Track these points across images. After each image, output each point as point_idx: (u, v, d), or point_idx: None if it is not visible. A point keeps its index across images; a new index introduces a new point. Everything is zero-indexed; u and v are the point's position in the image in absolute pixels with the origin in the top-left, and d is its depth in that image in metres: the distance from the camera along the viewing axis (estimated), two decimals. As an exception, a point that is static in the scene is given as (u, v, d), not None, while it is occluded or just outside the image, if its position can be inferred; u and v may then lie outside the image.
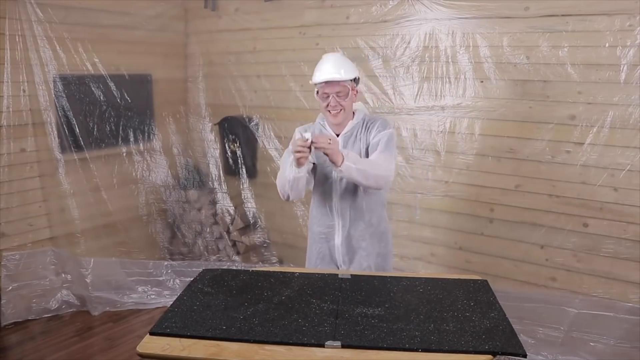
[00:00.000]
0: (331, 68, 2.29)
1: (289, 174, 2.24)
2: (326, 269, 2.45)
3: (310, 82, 2.39)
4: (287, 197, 2.35)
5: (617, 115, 2.79)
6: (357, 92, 2.38)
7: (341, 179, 2.37)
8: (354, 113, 2.41)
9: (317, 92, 2.33)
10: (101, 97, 3.85)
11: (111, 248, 3.90)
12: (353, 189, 2.39)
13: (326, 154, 2.13)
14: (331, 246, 2.47)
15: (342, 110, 2.32)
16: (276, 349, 1.65)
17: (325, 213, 2.45)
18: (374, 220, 2.45)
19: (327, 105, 2.31)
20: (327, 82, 2.29)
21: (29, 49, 3.42)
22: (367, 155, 2.34)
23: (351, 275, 2.22)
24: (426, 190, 3.48)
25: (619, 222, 2.88)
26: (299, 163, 2.15)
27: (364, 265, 2.45)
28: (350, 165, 2.13)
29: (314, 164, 2.40)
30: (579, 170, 2.96)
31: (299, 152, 2.11)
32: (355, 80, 2.36)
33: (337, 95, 2.29)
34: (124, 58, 4.00)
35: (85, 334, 3.43)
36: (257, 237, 4.30)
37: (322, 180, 2.44)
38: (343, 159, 2.11)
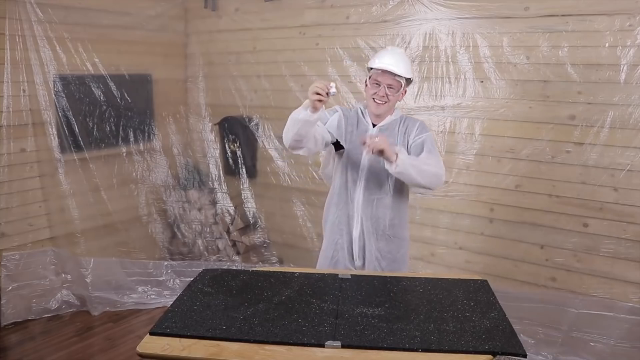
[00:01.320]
0: (392, 59, 2.25)
1: (299, 113, 2.07)
2: (340, 264, 2.41)
3: (366, 65, 2.36)
4: (289, 142, 2.17)
5: (617, 115, 2.79)
6: (405, 92, 2.35)
7: (370, 169, 2.31)
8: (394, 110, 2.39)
9: (369, 78, 2.29)
10: (101, 97, 3.84)
11: (111, 248, 3.90)
12: (380, 183, 2.33)
13: (381, 152, 2.06)
14: (347, 239, 2.41)
15: (387, 103, 2.28)
16: (276, 349, 1.65)
17: (346, 201, 2.38)
18: (396, 221, 2.38)
19: (375, 94, 2.27)
20: (383, 71, 2.25)
21: (29, 49, 3.42)
22: (408, 150, 2.30)
23: (351, 275, 2.22)
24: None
25: (619, 222, 2.88)
26: (314, 107, 2.02)
27: (377, 267, 2.39)
28: (405, 160, 2.08)
29: (341, 146, 2.32)
30: (579, 170, 2.96)
31: (318, 94, 1.97)
32: (409, 81, 2.33)
33: (388, 87, 2.26)
34: (124, 58, 4.00)
35: (85, 334, 3.43)
36: (257, 237, 4.30)
37: (349, 167, 2.37)
38: (397, 155, 2.07)
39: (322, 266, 2.49)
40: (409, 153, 2.26)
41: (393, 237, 2.39)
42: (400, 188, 2.37)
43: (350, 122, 2.37)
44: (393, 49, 2.36)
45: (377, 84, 2.26)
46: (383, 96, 2.27)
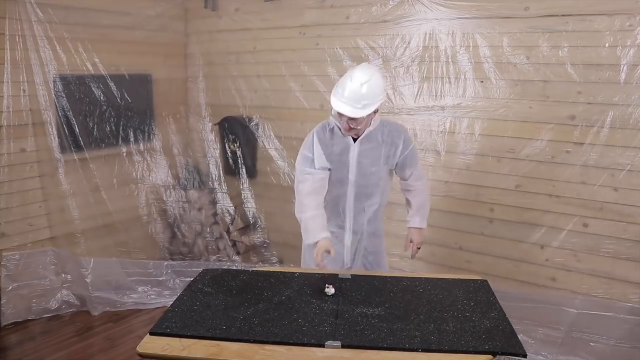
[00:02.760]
0: (353, 100, 2.16)
1: (305, 226, 2.33)
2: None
3: (329, 100, 2.28)
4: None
5: (617, 115, 2.79)
6: (377, 111, 2.30)
7: (357, 182, 2.42)
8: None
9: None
10: (101, 97, 3.84)
11: (111, 248, 3.89)
12: (368, 194, 2.46)
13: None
14: (339, 247, 2.49)
15: (355, 130, 2.29)
16: (276, 349, 1.65)
17: (337, 213, 2.48)
18: (378, 221, 2.56)
19: (341, 123, 2.29)
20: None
21: (29, 49, 3.42)
22: (390, 164, 2.45)
23: (351, 275, 2.23)
24: (426, 190, 3.48)
25: (619, 222, 2.88)
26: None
27: (365, 263, 2.54)
28: (425, 219, 2.58)
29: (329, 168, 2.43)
30: (579, 170, 2.96)
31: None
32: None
33: (355, 121, 2.23)
34: (124, 58, 4.00)
35: (85, 334, 3.43)
36: (257, 237, 4.30)
37: (337, 184, 2.44)
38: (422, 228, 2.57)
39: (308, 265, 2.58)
40: (397, 166, 2.47)
41: (376, 233, 2.56)
42: (386, 193, 2.54)
43: (329, 143, 2.39)
44: (355, 81, 2.17)
45: (343, 118, 2.24)
46: (348, 130, 2.29)
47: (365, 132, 2.35)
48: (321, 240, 2.23)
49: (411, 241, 2.57)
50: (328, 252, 2.22)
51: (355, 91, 2.15)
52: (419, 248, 2.59)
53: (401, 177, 2.56)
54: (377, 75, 2.22)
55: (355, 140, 2.37)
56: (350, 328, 1.75)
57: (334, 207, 2.46)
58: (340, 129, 2.37)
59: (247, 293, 2.04)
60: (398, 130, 2.43)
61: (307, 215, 2.31)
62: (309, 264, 2.51)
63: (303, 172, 2.39)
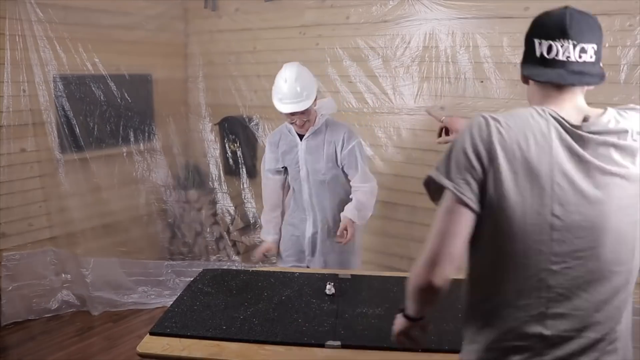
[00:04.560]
0: (291, 97, 2.43)
1: (262, 226, 2.80)
2: (291, 258, 2.73)
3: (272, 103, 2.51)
4: None
5: (617, 115, 2.79)
6: (316, 99, 2.49)
7: (307, 178, 2.56)
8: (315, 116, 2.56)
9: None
10: (101, 97, 3.84)
11: (111, 248, 3.89)
12: (324, 189, 2.57)
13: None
14: (301, 238, 2.65)
15: (308, 122, 2.49)
16: (276, 349, 1.65)
17: (299, 206, 2.65)
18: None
19: (293, 123, 2.50)
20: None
21: (29, 49, 3.42)
22: (335, 161, 2.53)
23: (351, 275, 2.23)
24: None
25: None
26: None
27: (328, 260, 2.61)
28: (358, 216, 2.45)
29: (284, 167, 2.66)
30: (579, 170, 2.95)
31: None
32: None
33: (301, 115, 2.45)
34: (124, 58, 3.99)
35: (85, 334, 3.43)
36: (257, 237, 4.30)
37: (294, 181, 2.64)
38: (352, 220, 2.44)
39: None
40: (340, 163, 2.53)
41: (339, 245, 2.55)
42: (341, 187, 2.59)
43: (280, 144, 2.63)
44: (287, 81, 2.46)
45: (290, 116, 2.47)
46: (301, 125, 2.49)
47: (310, 130, 2.52)
48: (266, 242, 2.72)
49: (346, 230, 2.42)
50: (268, 251, 2.72)
51: (293, 88, 2.43)
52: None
53: (349, 179, 2.59)
54: (303, 69, 2.51)
55: (302, 138, 2.55)
56: (350, 328, 1.75)
57: (296, 200, 2.67)
58: (290, 131, 2.60)
59: (247, 293, 2.04)
60: (340, 127, 2.56)
61: (263, 219, 2.78)
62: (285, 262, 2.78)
63: (263, 177, 2.77)
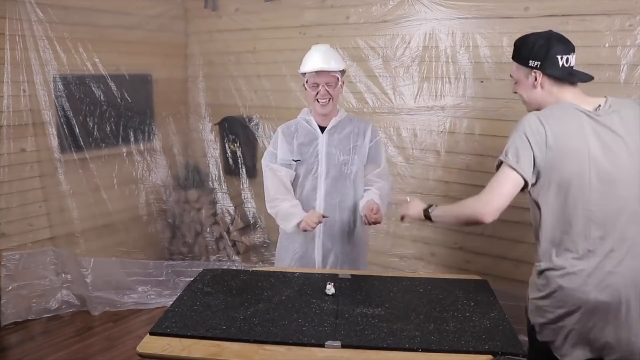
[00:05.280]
0: (321, 58, 2.33)
1: (284, 215, 2.33)
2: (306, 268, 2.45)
3: (298, 71, 2.41)
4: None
5: (617, 115, 2.79)
6: (343, 84, 2.42)
7: (327, 174, 2.39)
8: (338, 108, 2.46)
9: (306, 82, 2.36)
10: (101, 97, 3.84)
11: (111, 248, 3.90)
12: (339, 187, 2.40)
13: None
14: (310, 247, 2.45)
15: (331, 100, 2.35)
16: (276, 349, 1.65)
17: (308, 210, 2.37)
18: (358, 223, 2.47)
19: (317, 95, 2.34)
20: (317, 72, 2.32)
21: (29, 49, 3.42)
22: (361, 155, 2.42)
23: (351, 275, 2.23)
24: (426, 190, 3.48)
25: (619, 222, 2.88)
26: (300, 229, 2.28)
27: (337, 267, 2.45)
28: (383, 207, 2.34)
29: (295, 160, 2.42)
30: (579, 170, 2.96)
31: (308, 229, 2.24)
32: (343, 72, 2.40)
33: (327, 85, 2.32)
34: (124, 58, 4.00)
35: (85, 334, 3.43)
36: (257, 237, 4.30)
37: (308, 177, 2.42)
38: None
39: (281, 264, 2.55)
40: (367, 155, 2.43)
41: (354, 239, 2.47)
42: (359, 190, 2.44)
43: (296, 136, 2.43)
44: (318, 48, 2.39)
45: (315, 85, 2.33)
46: (325, 94, 2.33)
47: (332, 122, 2.41)
48: (305, 215, 2.27)
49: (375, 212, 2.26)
50: (323, 216, 2.27)
51: (323, 53, 2.34)
52: (376, 222, 2.29)
53: (365, 174, 2.47)
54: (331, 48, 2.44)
55: (323, 131, 2.41)
56: (350, 328, 1.75)
57: (305, 204, 2.38)
58: (309, 122, 2.44)
59: (247, 293, 2.04)
60: (365, 121, 2.51)
61: (285, 205, 2.32)
62: (284, 262, 2.51)
63: (267, 166, 2.43)
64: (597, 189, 1.65)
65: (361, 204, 2.37)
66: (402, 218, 2.11)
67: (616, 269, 1.63)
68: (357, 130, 2.43)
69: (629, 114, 1.71)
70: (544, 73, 1.77)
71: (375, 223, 2.27)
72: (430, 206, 1.97)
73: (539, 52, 1.77)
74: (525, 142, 1.68)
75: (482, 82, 3.19)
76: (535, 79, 1.80)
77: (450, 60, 3.27)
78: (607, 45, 2.76)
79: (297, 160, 2.40)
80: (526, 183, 1.72)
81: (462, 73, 3.24)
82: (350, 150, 2.39)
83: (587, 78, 1.81)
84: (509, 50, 3.07)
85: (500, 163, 1.76)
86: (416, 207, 2.02)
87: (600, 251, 1.65)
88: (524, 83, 1.85)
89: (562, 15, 2.87)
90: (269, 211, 2.42)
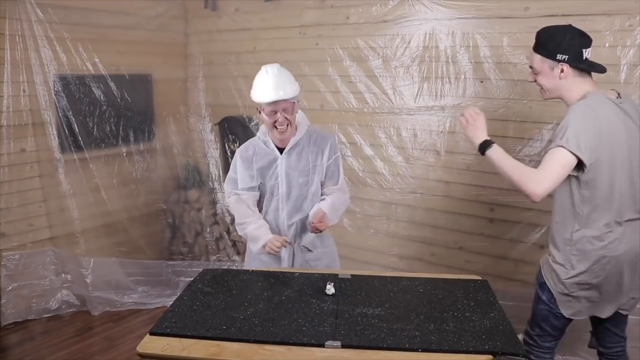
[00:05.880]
0: (275, 87, 2.26)
1: (251, 237, 2.40)
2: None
3: (252, 99, 2.35)
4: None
5: (617, 115, 2.79)
6: (298, 102, 2.39)
7: (288, 195, 2.42)
8: (296, 127, 2.42)
9: (262, 110, 2.32)
10: (101, 97, 3.84)
11: (111, 248, 3.90)
12: (298, 207, 2.44)
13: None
14: (275, 259, 2.47)
15: (289, 125, 2.33)
16: (276, 349, 1.65)
17: (273, 229, 2.43)
18: (323, 235, 2.51)
19: (275, 122, 2.31)
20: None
21: (29, 49, 3.42)
22: (319, 174, 2.42)
23: (351, 275, 2.23)
24: (426, 190, 3.48)
25: (619, 222, 2.88)
26: (266, 252, 2.33)
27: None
28: (329, 217, 2.34)
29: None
30: (579, 170, 2.96)
31: (272, 253, 2.32)
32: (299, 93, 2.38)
33: (284, 112, 2.29)
34: (124, 58, 3.99)
35: (85, 334, 3.43)
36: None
37: (270, 199, 2.46)
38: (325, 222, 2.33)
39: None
40: (325, 173, 2.43)
41: (318, 248, 2.51)
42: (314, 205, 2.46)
43: (255, 160, 2.43)
44: (269, 73, 2.29)
45: (272, 112, 2.29)
46: (283, 122, 2.31)
47: (290, 143, 2.38)
48: (270, 237, 2.33)
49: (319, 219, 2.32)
50: (285, 241, 2.33)
51: (276, 78, 2.27)
52: (319, 230, 2.35)
53: (322, 190, 2.50)
54: (282, 67, 2.36)
55: (282, 152, 2.40)
56: (350, 328, 1.75)
57: (272, 223, 2.45)
58: (266, 144, 2.42)
59: (247, 293, 2.04)
60: (326, 137, 2.46)
61: (252, 227, 2.38)
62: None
63: (230, 193, 2.48)
64: (623, 170, 1.91)
65: (311, 213, 2.41)
66: None
67: (634, 234, 1.97)
68: (316, 149, 2.42)
69: (632, 104, 2.02)
70: (571, 65, 1.95)
71: (317, 230, 2.32)
72: (491, 143, 2.05)
73: (568, 46, 1.94)
74: (584, 129, 1.85)
75: (482, 82, 3.19)
76: (562, 71, 1.97)
77: (450, 60, 3.27)
78: (607, 45, 2.76)
79: (260, 184, 2.44)
80: (581, 167, 1.88)
81: (462, 73, 3.24)
82: (309, 171, 2.41)
83: (604, 70, 2.01)
84: (509, 50, 3.11)
85: (554, 148, 1.91)
86: (477, 132, 2.12)
87: (624, 221, 1.95)
88: (548, 74, 2.02)
89: (562, 15, 2.87)
90: (239, 233, 2.48)
